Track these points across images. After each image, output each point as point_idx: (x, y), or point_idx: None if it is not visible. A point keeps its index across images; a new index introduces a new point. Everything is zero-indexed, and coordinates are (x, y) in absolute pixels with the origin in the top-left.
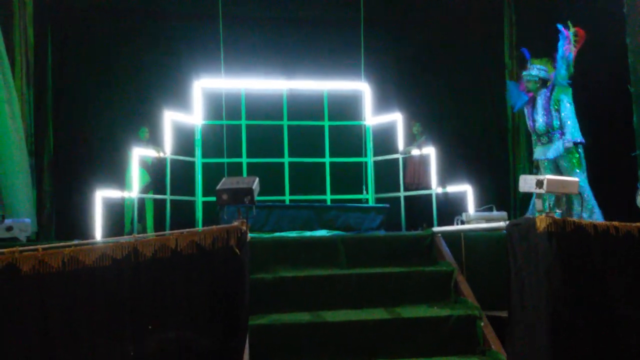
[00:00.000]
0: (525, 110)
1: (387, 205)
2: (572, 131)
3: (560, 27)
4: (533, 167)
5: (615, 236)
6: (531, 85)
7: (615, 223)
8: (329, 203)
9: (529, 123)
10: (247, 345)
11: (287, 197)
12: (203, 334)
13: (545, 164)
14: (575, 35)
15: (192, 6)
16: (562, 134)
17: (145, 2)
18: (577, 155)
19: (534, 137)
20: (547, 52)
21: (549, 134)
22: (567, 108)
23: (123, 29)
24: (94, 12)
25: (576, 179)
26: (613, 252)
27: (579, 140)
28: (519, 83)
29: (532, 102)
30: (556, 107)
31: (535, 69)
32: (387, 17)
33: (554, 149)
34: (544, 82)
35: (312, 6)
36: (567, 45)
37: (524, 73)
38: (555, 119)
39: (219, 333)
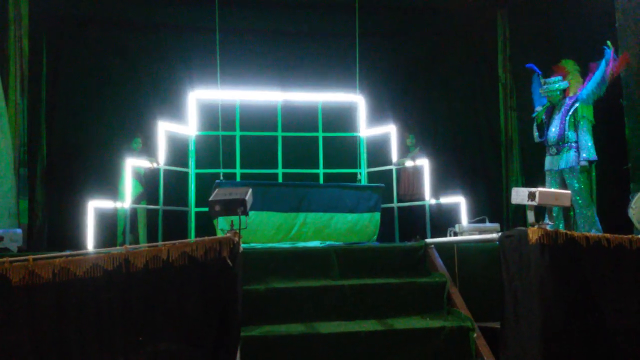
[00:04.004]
0: (543, 118)
1: (382, 185)
2: (588, 150)
3: (606, 48)
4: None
5: (607, 248)
6: (554, 98)
7: (607, 235)
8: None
9: (535, 133)
10: (238, 357)
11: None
12: (195, 345)
13: (552, 174)
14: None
15: (187, 18)
16: (571, 147)
17: (140, 13)
18: (584, 171)
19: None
20: (541, 65)
21: (559, 145)
22: (586, 125)
23: (118, 40)
24: (89, 23)
25: (568, 192)
26: (605, 263)
27: (593, 159)
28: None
29: (550, 111)
30: (574, 121)
31: (558, 83)
32: (382, 29)
33: (563, 161)
34: (563, 92)
35: (308, 18)
36: (609, 68)
37: (546, 87)
38: (570, 132)
39: (210, 344)
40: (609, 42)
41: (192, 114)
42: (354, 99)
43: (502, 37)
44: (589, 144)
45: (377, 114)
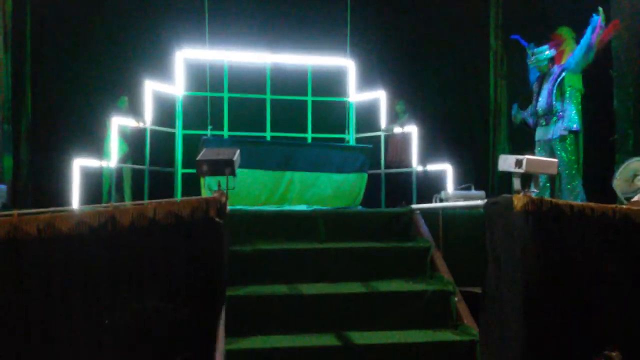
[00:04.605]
0: (534, 89)
1: (370, 146)
2: (571, 118)
3: (594, 15)
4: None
5: (590, 216)
6: (543, 68)
7: (591, 204)
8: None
9: (534, 102)
10: (223, 316)
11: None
12: (180, 303)
13: (542, 144)
14: (606, 27)
15: None
16: (560, 118)
17: None
18: (572, 143)
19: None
20: (533, 34)
21: (547, 116)
22: (573, 95)
23: None
24: None
25: (555, 160)
26: (588, 231)
27: (575, 129)
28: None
29: (540, 81)
30: (561, 90)
31: (547, 52)
32: None
33: (551, 132)
34: (552, 60)
35: None
36: (595, 35)
37: (533, 59)
38: (557, 102)
39: (196, 303)
40: (600, 9)
41: (180, 73)
42: (344, 63)
43: (495, 5)
44: (572, 114)
45: (367, 80)
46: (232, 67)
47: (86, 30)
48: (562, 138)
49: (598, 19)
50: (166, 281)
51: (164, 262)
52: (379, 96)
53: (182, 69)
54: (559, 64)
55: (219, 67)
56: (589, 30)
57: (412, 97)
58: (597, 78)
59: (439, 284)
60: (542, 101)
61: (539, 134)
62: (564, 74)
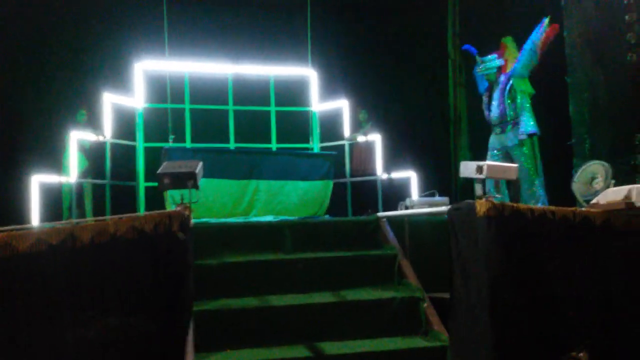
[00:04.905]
0: (484, 99)
1: (335, 153)
2: (526, 123)
3: (544, 20)
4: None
5: (552, 219)
6: (491, 77)
7: (552, 207)
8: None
9: (485, 112)
10: (191, 331)
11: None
12: (146, 319)
13: (495, 152)
14: (547, 31)
15: None
16: (515, 124)
17: None
18: (530, 148)
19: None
20: (491, 42)
21: (502, 124)
22: (524, 99)
23: (60, 7)
24: None
25: (515, 165)
26: (550, 234)
27: (532, 132)
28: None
29: (489, 91)
30: (512, 97)
31: (494, 61)
32: (335, 2)
33: (509, 139)
34: (500, 69)
35: None
36: (540, 40)
37: (482, 67)
38: (509, 109)
39: (162, 318)
40: (546, 19)
41: (139, 85)
42: (306, 73)
43: (452, 13)
44: (527, 118)
45: (330, 89)
46: (193, 78)
47: (43, 42)
48: (520, 143)
49: (541, 24)
50: (131, 297)
51: (127, 277)
52: (342, 105)
53: (142, 81)
54: (505, 72)
55: (179, 78)
56: (532, 34)
57: (375, 106)
58: (551, 84)
59: (407, 291)
60: (494, 110)
61: (493, 141)
62: (511, 81)
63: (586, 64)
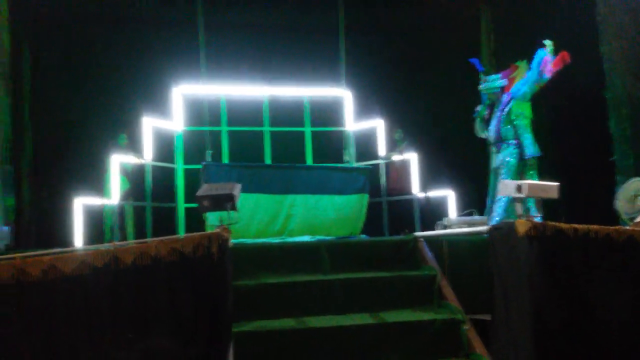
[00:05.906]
0: (485, 114)
1: (370, 167)
2: (529, 147)
3: (540, 50)
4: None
5: (594, 239)
6: (493, 96)
7: (594, 226)
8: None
9: (486, 130)
10: (231, 353)
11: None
12: (186, 341)
13: (494, 172)
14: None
15: (169, 12)
16: (509, 145)
17: (121, 8)
18: (532, 168)
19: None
20: (526, 59)
21: (497, 144)
22: (525, 123)
23: (99, 35)
24: (70, 18)
25: (556, 183)
26: (593, 254)
27: (536, 154)
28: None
29: (491, 109)
30: (511, 119)
31: (497, 81)
32: (368, 24)
33: (499, 160)
34: (502, 89)
35: (293, 12)
36: (545, 67)
37: (485, 85)
38: (507, 130)
39: (202, 340)
40: (546, 42)
41: (178, 109)
42: (340, 94)
43: (486, 31)
44: (528, 142)
45: (364, 109)
46: (230, 101)
47: (84, 69)
48: (528, 163)
49: (544, 54)
50: (171, 319)
51: (168, 300)
52: (377, 125)
53: (180, 105)
54: (508, 92)
55: (216, 101)
56: (534, 64)
57: (410, 124)
58: (589, 100)
59: (448, 313)
60: (492, 129)
61: (493, 161)
62: (512, 102)
63: (625, 79)
